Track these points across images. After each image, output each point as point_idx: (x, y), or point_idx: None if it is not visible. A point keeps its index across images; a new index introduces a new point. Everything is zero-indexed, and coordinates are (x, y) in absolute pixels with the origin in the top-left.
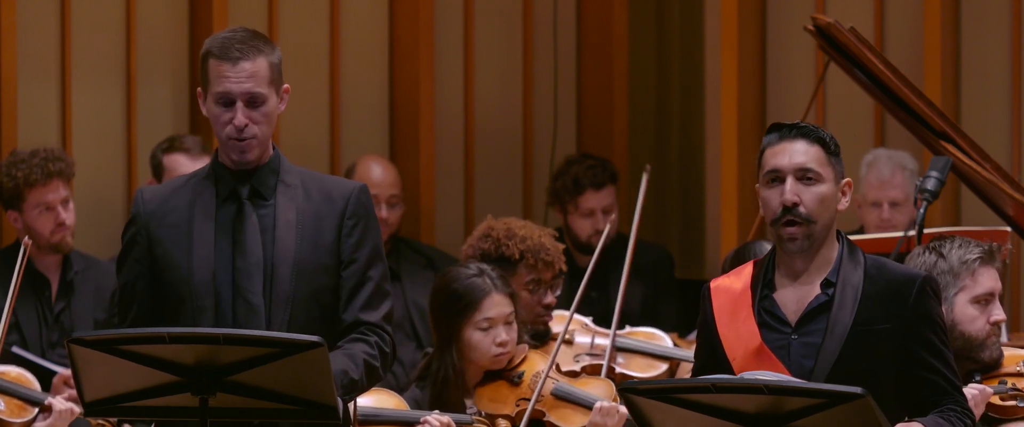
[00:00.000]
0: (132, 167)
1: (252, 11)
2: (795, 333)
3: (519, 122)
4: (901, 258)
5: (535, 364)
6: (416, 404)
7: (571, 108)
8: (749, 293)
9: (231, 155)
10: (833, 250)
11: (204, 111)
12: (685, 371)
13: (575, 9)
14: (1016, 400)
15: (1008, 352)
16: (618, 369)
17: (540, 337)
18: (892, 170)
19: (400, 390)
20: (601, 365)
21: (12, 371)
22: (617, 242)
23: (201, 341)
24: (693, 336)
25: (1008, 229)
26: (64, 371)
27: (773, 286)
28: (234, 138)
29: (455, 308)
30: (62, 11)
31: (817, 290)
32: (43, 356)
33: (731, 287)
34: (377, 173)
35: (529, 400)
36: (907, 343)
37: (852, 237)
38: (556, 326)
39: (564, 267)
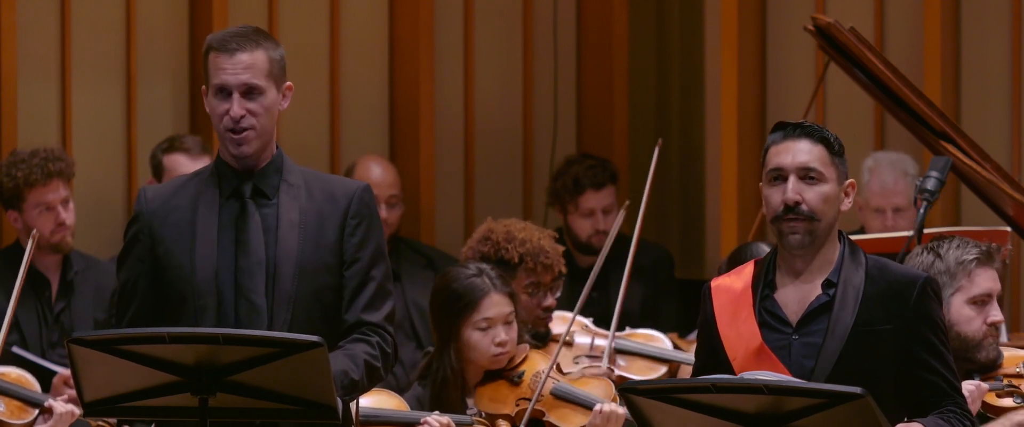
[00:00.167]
0: (132, 167)
1: (252, 11)
2: (796, 333)
3: (519, 122)
4: (901, 259)
5: (535, 364)
6: (418, 403)
7: (571, 108)
8: (750, 293)
9: (229, 148)
10: (834, 250)
11: (207, 109)
12: (684, 374)
13: (575, 9)
14: (1012, 397)
15: (1008, 352)
16: (618, 372)
17: (540, 339)
18: (895, 178)
19: (400, 390)
20: (600, 367)
21: (12, 372)
22: (618, 242)
23: (201, 341)
24: (693, 336)
25: (1008, 229)
26: (64, 371)
27: (774, 286)
28: (230, 129)
29: (454, 308)
30: (62, 11)
31: (818, 290)
32: (43, 356)
33: (732, 287)
34: (377, 173)
35: (529, 400)
36: (907, 344)
37: (853, 237)
38: (557, 326)
39: (564, 270)
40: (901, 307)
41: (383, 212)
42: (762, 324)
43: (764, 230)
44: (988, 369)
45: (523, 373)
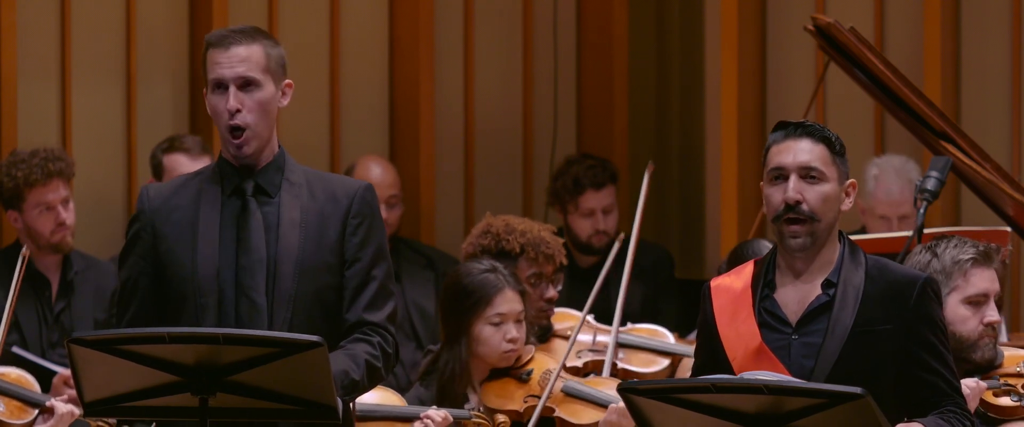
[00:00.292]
0: (132, 167)
1: (252, 11)
2: (795, 333)
3: (519, 122)
4: (901, 259)
5: (543, 363)
6: (419, 403)
7: (571, 108)
8: (750, 293)
9: (229, 148)
10: (834, 250)
11: (208, 109)
12: (686, 367)
13: (575, 9)
14: (1009, 396)
15: (1008, 352)
16: (619, 364)
17: (541, 334)
18: (901, 187)
19: (401, 391)
20: (603, 361)
21: (12, 373)
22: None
23: (201, 341)
24: (693, 336)
25: (1008, 229)
26: (64, 371)
27: (774, 286)
28: (229, 125)
29: (467, 303)
30: (62, 11)
31: (818, 290)
32: (43, 356)
33: (731, 287)
34: (376, 173)
35: (538, 397)
36: (907, 344)
37: (854, 237)
38: (560, 324)
39: (564, 261)
40: (901, 307)
41: (383, 212)
42: (762, 324)
43: (764, 230)
44: (984, 369)
45: (531, 371)
